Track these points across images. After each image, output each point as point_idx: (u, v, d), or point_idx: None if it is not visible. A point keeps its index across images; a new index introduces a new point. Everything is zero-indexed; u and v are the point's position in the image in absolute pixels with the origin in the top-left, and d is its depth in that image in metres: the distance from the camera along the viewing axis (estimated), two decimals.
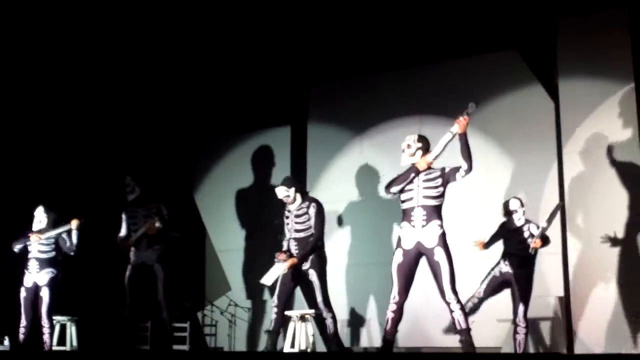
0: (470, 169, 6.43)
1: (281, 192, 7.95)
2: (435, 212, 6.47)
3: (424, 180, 6.51)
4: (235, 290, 10.85)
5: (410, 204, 6.51)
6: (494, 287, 7.91)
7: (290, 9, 9.61)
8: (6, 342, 9.03)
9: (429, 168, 6.56)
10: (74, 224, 8.31)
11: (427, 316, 8.89)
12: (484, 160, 8.37)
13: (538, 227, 7.76)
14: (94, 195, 10.42)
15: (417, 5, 9.35)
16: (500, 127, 9.26)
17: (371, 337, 9.65)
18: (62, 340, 9.20)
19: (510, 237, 7.93)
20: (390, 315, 6.49)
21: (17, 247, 8.46)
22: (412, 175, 6.54)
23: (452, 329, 6.50)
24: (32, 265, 8.38)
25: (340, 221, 10.19)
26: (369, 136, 10.22)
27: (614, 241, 8.34)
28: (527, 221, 7.93)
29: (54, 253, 8.43)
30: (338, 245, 10.07)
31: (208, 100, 11.34)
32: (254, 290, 10.47)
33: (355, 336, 9.83)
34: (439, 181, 6.50)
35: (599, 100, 8.65)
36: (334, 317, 7.81)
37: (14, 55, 9.86)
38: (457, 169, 6.46)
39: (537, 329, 8.59)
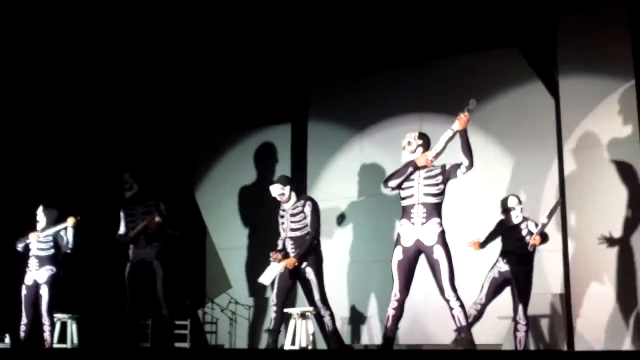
0: (471, 165, 6.42)
1: (276, 190, 7.89)
2: (435, 209, 6.46)
3: (425, 178, 6.50)
4: (236, 288, 10.87)
5: (410, 201, 6.51)
6: (495, 289, 7.89)
7: (290, 6, 9.60)
8: (7, 339, 9.05)
9: (430, 166, 6.54)
10: (70, 221, 8.33)
11: (427, 313, 8.90)
12: (483, 158, 8.37)
13: (536, 225, 7.76)
14: (96, 194, 10.43)
15: (417, 2, 9.34)
16: (501, 125, 9.26)
17: (372, 334, 9.67)
18: (62, 338, 9.21)
19: (508, 234, 7.92)
20: (390, 312, 6.48)
21: (19, 246, 8.50)
22: (410, 169, 6.52)
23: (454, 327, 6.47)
24: (32, 263, 8.40)
25: (342, 219, 10.20)
26: (369, 134, 10.23)
27: (613, 238, 8.35)
28: (525, 219, 7.92)
29: (52, 251, 8.44)
30: (338, 243, 10.08)
31: (208, 98, 11.34)
32: (255, 288, 10.47)
33: (355, 333, 9.84)
34: (440, 178, 6.48)
35: (599, 98, 8.66)
36: (331, 315, 7.79)
37: (13, 54, 9.85)
38: (458, 166, 6.45)
39: (537, 326, 8.61)
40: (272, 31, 10.07)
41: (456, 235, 7.31)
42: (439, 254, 6.37)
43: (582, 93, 8.75)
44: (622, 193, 8.42)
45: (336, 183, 10.33)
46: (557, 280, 8.68)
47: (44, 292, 8.31)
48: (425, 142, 6.65)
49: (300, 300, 9.20)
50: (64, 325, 9.23)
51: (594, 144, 8.65)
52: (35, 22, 9.52)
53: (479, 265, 8.13)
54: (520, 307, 7.75)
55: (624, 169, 8.45)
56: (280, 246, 7.93)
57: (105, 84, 10.80)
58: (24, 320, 8.35)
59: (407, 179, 6.52)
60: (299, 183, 10.38)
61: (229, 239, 11.13)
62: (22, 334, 8.34)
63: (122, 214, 8.34)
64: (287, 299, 7.82)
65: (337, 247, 10.02)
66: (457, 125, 6.39)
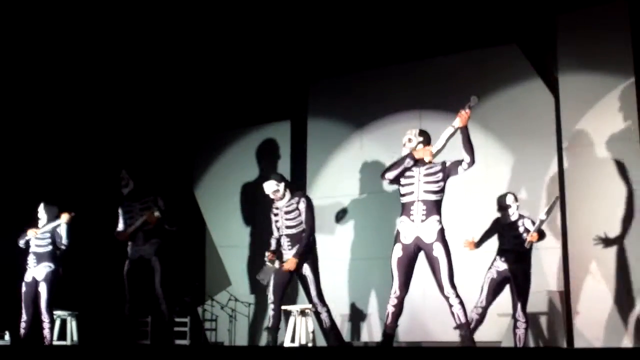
0: (472, 162, 6.40)
1: (271, 186, 7.80)
2: (435, 207, 6.45)
3: (425, 175, 6.48)
4: (236, 285, 10.86)
5: (410, 198, 6.49)
6: (494, 289, 7.86)
7: (289, 3, 9.59)
8: (7, 337, 9.05)
9: (430, 162, 6.53)
10: (64, 217, 8.32)
11: (427, 311, 8.90)
12: (483, 155, 8.34)
13: (533, 222, 7.74)
14: (95, 191, 10.42)
15: None
16: (500, 122, 9.26)
17: (371, 331, 9.67)
18: (62, 335, 9.22)
19: (505, 232, 7.90)
20: (390, 309, 6.46)
21: (21, 242, 8.51)
22: (408, 160, 6.50)
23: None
24: (31, 259, 8.41)
25: (342, 215, 10.19)
26: (369, 131, 10.22)
27: (612, 236, 8.34)
28: (521, 216, 7.90)
29: (50, 247, 8.44)
30: (338, 240, 10.07)
31: (208, 95, 11.33)
32: (255, 286, 10.47)
33: (355, 331, 9.84)
34: (440, 175, 6.46)
35: (599, 95, 8.65)
36: (328, 311, 7.76)
37: (12, 53, 9.85)
38: (459, 163, 6.43)
39: (537, 324, 8.60)
40: (271, 28, 10.07)
41: (455, 232, 7.30)
42: (438, 251, 6.36)
43: (581, 90, 8.74)
44: (621, 190, 8.42)
45: (336, 180, 10.32)
46: (556, 278, 8.68)
47: (43, 289, 8.32)
48: (426, 139, 6.64)
49: (300, 297, 9.20)
50: (63, 322, 9.24)
51: (594, 141, 8.64)
52: (35, 21, 9.52)
53: (478, 263, 8.12)
54: (520, 305, 7.75)
55: (624, 166, 8.45)
56: (273, 246, 7.87)
57: (105, 82, 10.79)
58: (23, 317, 8.36)
59: (405, 170, 6.50)
60: (298, 180, 10.42)
61: (229, 236, 11.13)
62: (22, 331, 8.35)
63: (120, 211, 8.33)
64: (284, 295, 7.78)
65: (337, 244, 10.02)
66: (458, 122, 6.38)
